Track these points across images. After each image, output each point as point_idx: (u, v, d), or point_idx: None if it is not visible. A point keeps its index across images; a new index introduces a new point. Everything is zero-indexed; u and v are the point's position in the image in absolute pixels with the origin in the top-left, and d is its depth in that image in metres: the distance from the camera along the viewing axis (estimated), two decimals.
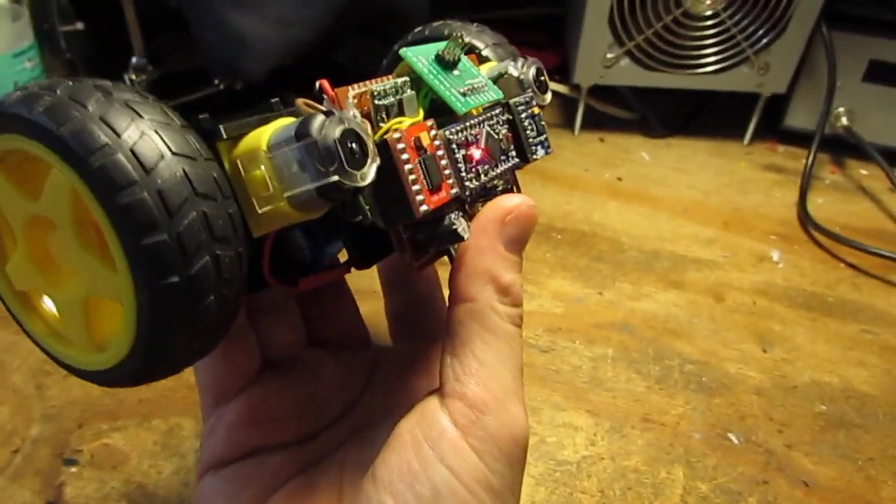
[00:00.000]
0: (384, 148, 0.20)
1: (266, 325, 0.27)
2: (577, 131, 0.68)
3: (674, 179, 0.62)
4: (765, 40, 0.60)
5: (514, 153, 0.24)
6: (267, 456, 0.25)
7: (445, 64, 0.23)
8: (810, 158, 0.60)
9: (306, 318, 0.29)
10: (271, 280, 0.23)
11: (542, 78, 0.26)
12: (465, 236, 0.21)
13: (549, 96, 0.26)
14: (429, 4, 0.63)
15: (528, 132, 0.25)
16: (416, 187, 0.20)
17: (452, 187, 0.21)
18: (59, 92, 0.16)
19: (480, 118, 0.23)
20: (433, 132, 0.21)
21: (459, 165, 0.22)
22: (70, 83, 0.17)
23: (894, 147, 0.63)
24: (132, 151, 0.16)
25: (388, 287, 0.32)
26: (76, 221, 0.18)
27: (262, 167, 0.18)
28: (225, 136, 0.19)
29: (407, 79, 0.23)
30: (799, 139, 0.66)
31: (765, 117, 0.66)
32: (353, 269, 0.25)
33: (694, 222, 0.56)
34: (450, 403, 0.21)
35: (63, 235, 0.18)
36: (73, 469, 0.36)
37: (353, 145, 0.18)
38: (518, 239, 0.22)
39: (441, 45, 0.24)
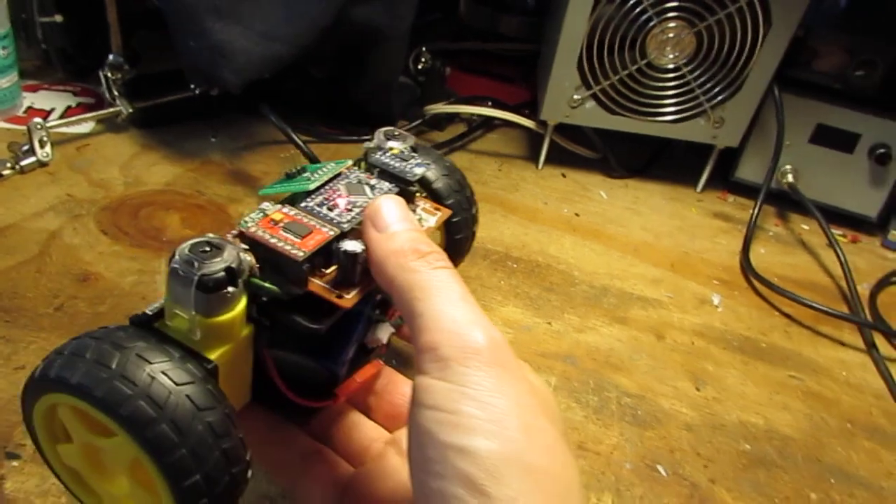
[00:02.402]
0: (250, 240, 0.26)
1: (340, 439, 0.31)
2: (540, 165, 0.71)
3: (628, 220, 0.65)
4: (721, 96, 0.64)
5: (386, 184, 0.30)
6: None
7: (291, 176, 0.30)
8: (756, 211, 0.64)
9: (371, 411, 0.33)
10: (310, 403, 0.28)
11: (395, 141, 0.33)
12: (359, 249, 0.26)
13: (402, 144, 0.33)
14: (409, 30, 0.65)
15: (394, 164, 0.30)
16: (285, 245, 0.25)
17: (328, 231, 0.26)
18: (88, 356, 0.22)
19: (335, 182, 0.29)
20: (287, 210, 0.27)
21: (329, 214, 0.27)
22: (94, 345, 0.23)
23: (833, 206, 0.67)
24: (148, 396, 0.22)
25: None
26: (129, 469, 0.25)
27: (177, 313, 0.24)
28: (152, 316, 0.25)
29: (270, 203, 0.28)
30: (747, 191, 0.70)
31: (718, 168, 0.70)
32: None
33: (644, 262, 0.59)
34: (418, 366, 0.23)
35: (115, 461, 0.25)
36: (15, 463, 0.36)
37: (207, 248, 0.24)
38: (385, 214, 0.26)
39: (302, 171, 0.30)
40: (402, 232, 0.25)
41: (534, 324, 0.49)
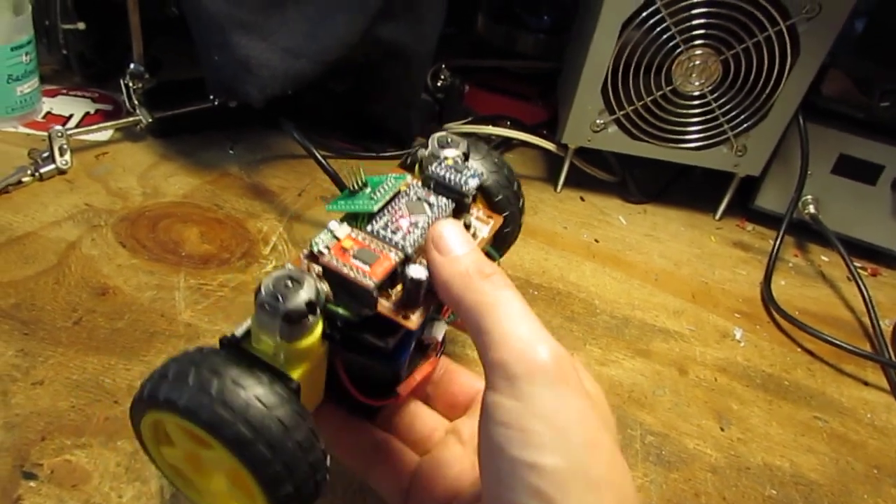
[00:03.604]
0: (327, 269, 0.27)
1: (404, 429, 0.34)
2: (559, 188, 0.70)
3: (647, 246, 0.64)
4: (745, 125, 0.63)
5: (444, 201, 0.30)
6: None
7: (354, 192, 0.31)
8: (777, 242, 0.63)
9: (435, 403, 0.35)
10: (375, 402, 0.31)
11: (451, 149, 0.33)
12: (424, 276, 0.27)
13: (454, 151, 0.33)
14: (433, 50, 0.64)
15: (449, 177, 0.31)
16: (357, 274, 0.27)
17: (394, 256, 0.28)
18: (190, 382, 0.25)
19: (396, 201, 0.30)
20: (356, 235, 0.28)
21: (394, 238, 0.28)
22: (195, 370, 0.25)
23: (855, 238, 0.67)
24: (245, 419, 0.24)
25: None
26: (228, 475, 0.28)
27: (263, 339, 0.26)
28: (241, 339, 0.27)
29: (336, 221, 0.30)
30: (767, 219, 0.69)
31: (737, 195, 0.69)
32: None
33: (664, 291, 0.58)
34: (488, 381, 0.24)
35: (216, 469, 0.28)
36: (32, 483, 0.36)
37: (289, 282, 0.26)
38: (448, 239, 0.27)
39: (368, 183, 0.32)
40: (464, 255, 0.27)
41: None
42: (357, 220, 0.30)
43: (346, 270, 0.27)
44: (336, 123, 0.72)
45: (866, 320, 0.58)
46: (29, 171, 0.57)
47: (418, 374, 0.31)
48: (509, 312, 0.25)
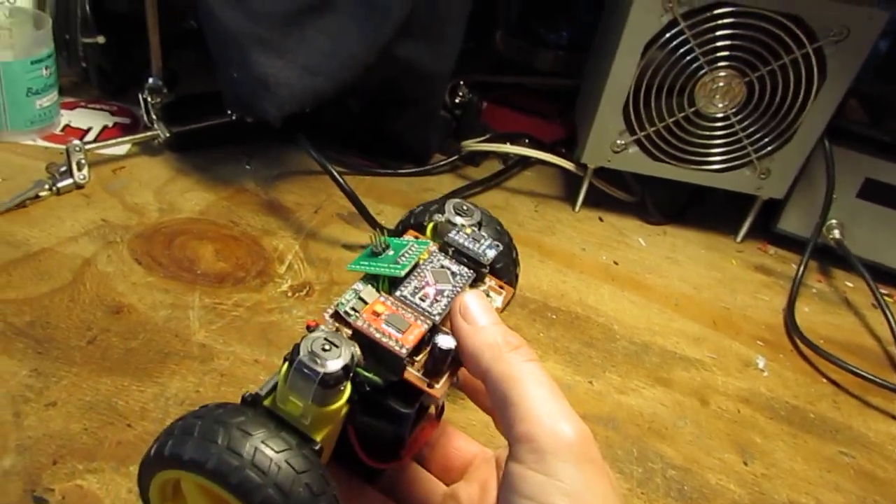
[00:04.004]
0: (359, 333, 0.28)
1: (403, 493, 0.34)
2: (577, 207, 0.70)
3: (667, 269, 0.63)
4: (769, 147, 0.62)
5: (465, 270, 0.31)
6: None
7: (377, 254, 0.31)
8: (801, 268, 0.62)
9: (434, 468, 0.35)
10: (380, 465, 0.31)
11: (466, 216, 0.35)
12: (451, 345, 0.27)
13: (470, 219, 0.34)
14: (451, 69, 0.64)
15: (469, 246, 0.32)
16: (389, 340, 0.27)
17: (423, 323, 0.28)
18: (219, 442, 0.24)
19: (421, 267, 0.31)
20: (386, 300, 0.29)
21: (422, 305, 0.29)
22: (200, 423, 0.25)
23: (881, 264, 0.65)
24: (253, 464, 0.24)
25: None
26: None
27: (292, 400, 0.26)
28: (265, 397, 0.27)
29: (360, 282, 0.31)
30: (790, 243, 0.68)
31: (759, 217, 0.68)
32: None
33: (684, 317, 0.57)
34: (513, 453, 0.25)
35: None
36: None
37: (326, 345, 0.26)
38: (474, 310, 0.28)
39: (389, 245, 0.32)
40: (490, 326, 0.28)
41: (574, 382, 0.48)
42: (378, 282, 0.30)
43: (378, 336, 0.27)
44: (353, 140, 0.72)
45: (893, 349, 0.57)
46: (46, 186, 0.57)
47: (420, 437, 0.32)
48: (538, 387, 0.25)
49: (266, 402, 0.27)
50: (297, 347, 0.25)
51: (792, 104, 0.60)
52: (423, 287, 0.30)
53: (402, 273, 0.30)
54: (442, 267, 0.31)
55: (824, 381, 0.53)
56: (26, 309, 0.46)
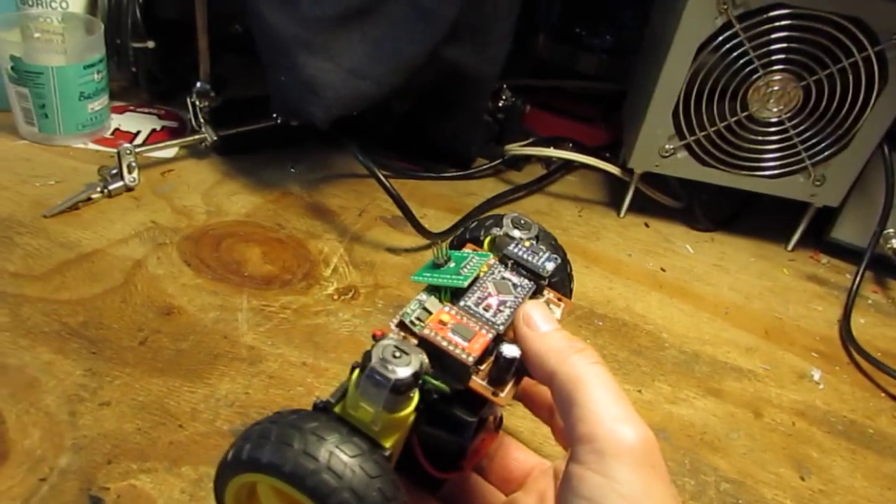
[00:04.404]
0: (425, 342, 0.28)
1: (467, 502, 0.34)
2: (622, 213, 0.69)
3: (716, 277, 0.62)
4: (825, 153, 0.60)
5: (526, 282, 0.32)
6: None
7: (439, 266, 0.32)
8: (858, 279, 0.60)
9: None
10: (443, 475, 0.31)
11: (522, 228, 0.36)
12: (516, 353, 0.28)
13: (528, 233, 0.35)
14: (497, 73, 0.64)
15: (528, 259, 0.33)
16: (455, 349, 0.28)
17: (487, 333, 0.29)
18: (296, 446, 0.25)
19: (483, 279, 0.31)
20: (451, 310, 0.29)
21: (485, 315, 0.29)
22: (276, 428, 0.26)
23: None
24: (328, 468, 0.24)
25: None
26: None
27: (363, 406, 0.26)
28: (335, 404, 0.28)
29: (424, 292, 0.31)
30: (843, 252, 0.66)
31: (810, 225, 0.66)
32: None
33: (735, 326, 0.56)
34: (574, 454, 0.25)
35: None
36: None
37: (397, 353, 0.26)
38: (537, 318, 0.29)
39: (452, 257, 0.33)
40: (554, 332, 0.28)
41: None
42: (440, 293, 0.31)
43: (444, 344, 0.28)
44: (396, 143, 0.72)
45: None
46: (98, 188, 0.58)
47: (481, 448, 0.33)
48: (602, 389, 0.26)
49: (336, 409, 0.27)
50: (368, 354, 0.26)
51: (850, 109, 0.58)
52: (485, 298, 0.30)
53: (465, 284, 0.30)
54: (503, 279, 0.32)
55: (883, 395, 0.51)
56: (80, 310, 0.47)
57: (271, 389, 0.44)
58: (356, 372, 0.27)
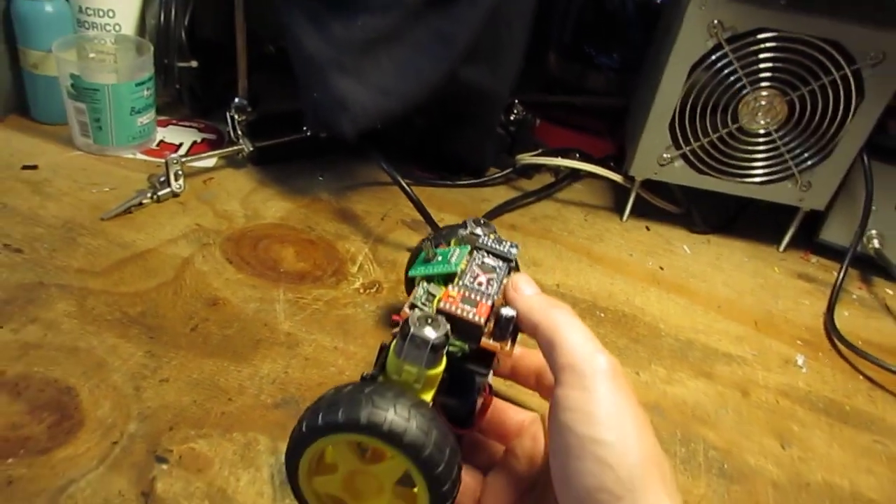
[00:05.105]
0: (443, 312, 0.35)
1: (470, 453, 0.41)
2: (625, 217, 0.74)
3: (711, 275, 0.67)
4: (810, 161, 0.66)
5: (500, 263, 0.40)
6: None
7: (429, 259, 0.39)
8: (841, 274, 0.65)
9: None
10: (458, 431, 0.36)
11: (482, 227, 0.44)
12: (513, 313, 0.35)
13: (488, 230, 0.43)
14: (509, 91, 0.69)
15: (497, 247, 0.41)
16: (468, 315, 0.34)
17: (487, 301, 0.36)
18: (342, 404, 0.31)
19: (470, 265, 0.39)
20: (454, 288, 0.36)
21: (481, 289, 0.37)
22: (364, 397, 0.31)
23: None
24: (397, 414, 0.30)
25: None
26: (395, 485, 0.33)
27: (406, 369, 0.32)
28: (378, 376, 0.34)
29: (423, 282, 0.38)
30: (831, 252, 0.71)
31: (801, 228, 0.71)
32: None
33: (727, 318, 0.61)
34: (558, 382, 0.31)
35: (380, 485, 0.33)
36: (164, 466, 0.41)
37: (429, 321, 0.32)
38: (523, 284, 0.37)
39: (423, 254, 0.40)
40: (536, 294, 0.36)
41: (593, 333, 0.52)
42: (436, 280, 0.38)
43: (459, 312, 0.34)
44: (416, 154, 0.78)
45: None
46: (148, 195, 0.65)
47: (482, 410, 0.39)
48: (577, 330, 0.33)
49: (380, 379, 0.33)
50: (406, 324, 0.32)
51: (831, 122, 0.63)
52: (476, 277, 0.38)
53: (459, 269, 0.38)
54: (484, 262, 0.39)
55: (861, 378, 0.56)
56: (137, 301, 0.53)
57: (308, 370, 0.49)
58: (394, 343, 0.33)
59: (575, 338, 0.32)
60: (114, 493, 0.39)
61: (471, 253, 0.40)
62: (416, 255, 0.48)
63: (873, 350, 0.58)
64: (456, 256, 0.39)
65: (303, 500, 0.35)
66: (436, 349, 0.32)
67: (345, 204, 0.70)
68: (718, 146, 0.66)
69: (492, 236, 0.42)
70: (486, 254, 0.40)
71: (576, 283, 0.62)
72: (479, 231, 0.43)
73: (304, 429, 0.32)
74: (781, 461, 0.47)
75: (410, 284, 0.51)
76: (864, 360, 0.57)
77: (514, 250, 0.41)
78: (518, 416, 0.41)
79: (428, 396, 0.33)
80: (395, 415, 0.30)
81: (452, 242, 0.43)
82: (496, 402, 0.41)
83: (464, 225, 0.44)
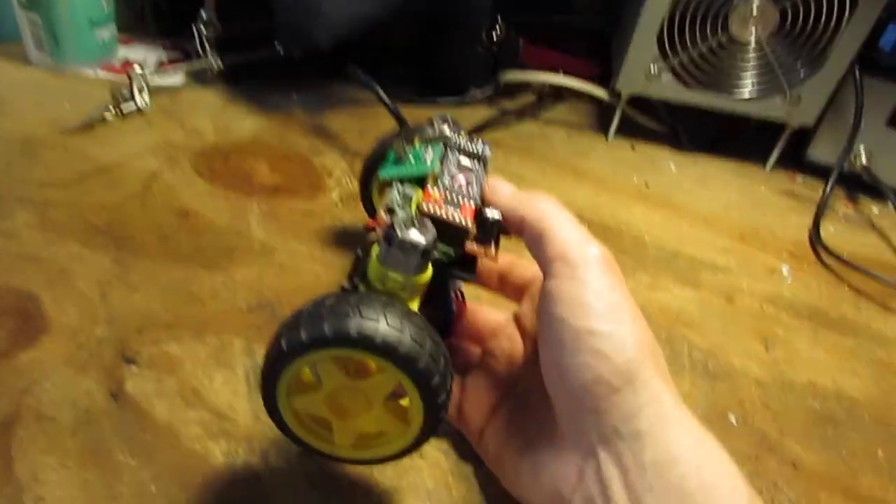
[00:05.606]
0: (426, 215, 0.31)
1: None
2: (610, 136, 0.72)
3: (697, 192, 0.66)
4: (800, 74, 0.64)
5: (475, 163, 0.36)
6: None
7: (401, 160, 0.37)
8: (828, 188, 0.64)
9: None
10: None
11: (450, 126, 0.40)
12: (498, 215, 0.32)
13: (456, 128, 0.39)
14: (492, 3, 0.66)
15: (469, 146, 0.37)
16: (454, 218, 0.32)
17: (469, 203, 0.33)
18: (327, 316, 0.27)
19: (446, 165, 0.35)
20: (436, 190, 0.33)
21: (462, 189, 0.34)
22: (350, 307, 0.27)
23: None
24: (389, 325, 0.27)
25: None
26: (385, 399, 0.30)
27: (392, 276, 0.29)
28: (357, 285, 0.31)
29: (397, 184, 0.34)
30: (819, 172, 0.70)
31: (787, 148, 0.70)
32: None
33: (712, 232, 0.60)
34: (549, 273, 0.29)
35: (368, 401, 0.30)
36: (134, 368, 0.39)
37: (415, 222, 0.29)
38: (499, 183, 0.34)
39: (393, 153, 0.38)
40: (518, 190, 0.34)
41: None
42: (411, 181, 0.35)
43: (444, 215, 0.32)
44: (395, 73, 0.75)
45: None
46: (111, 109, 0.61)
47: (459, 316, 0.37)
48: (564, 219, 0.30)
49: (361, 289, 0.30)
50: (390, 228, 0.29)
51: (823, 32, 0.61)
52: (455, 178, 0.35)
53: (435, 169, 0.35)
54: (459, 163, 0.36)
55: (846, 288, 0.55)
56: (103, 212, 0.51)
57: (283, 276, 0.48)
58: (376, 249, 0.30)
59: (564, 228, 0.30)
60: (81, 393, 0.37)
61: (443, 153, 0.37)
62: (379, 156, 0.45)
63: (858, 262, 0.57)
64: (430, 155, 0.36)
65: (281, 423, 0.31)
66: (425, 254, 0.29)
67: (321, 121, 0.67)
68: (707, 58, 0.64)
69: (463, 135, 0.39)
70: (458, 153, 0.37)
71: (560, 199, 0.60)
72: (446, 129, 0.39)
73: (283, 346, 0.28)
74: (765, 362, 0.46)
75: (367, 189, 0.48)
76: (850, 271, 0.56)
77: (486, 149, 0.38)
78: (492, 317, 0.39)
79: (415, 306, 0.30)
80: (387, 326, 0.27)
81: (416, 141, 0.40)
82: (469, 305, 0.40)
83: (430, 123, 0.40)
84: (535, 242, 0.31)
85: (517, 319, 0.38)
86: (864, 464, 0.40)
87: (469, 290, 0.37)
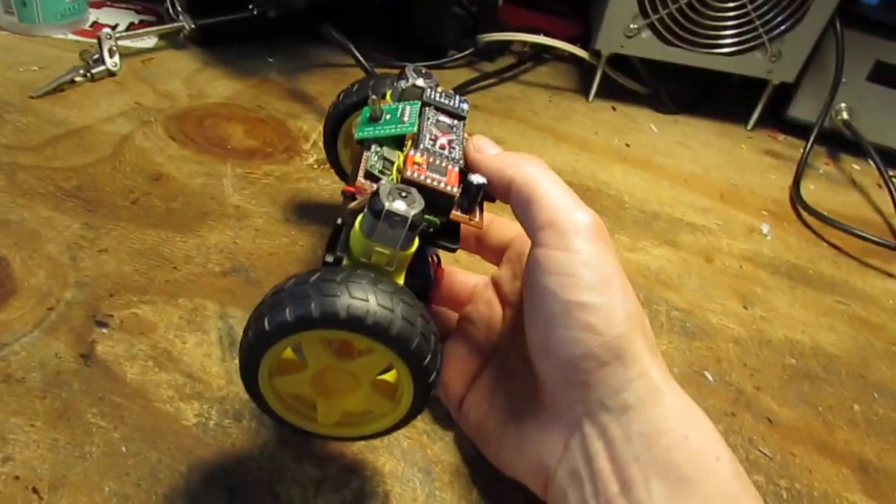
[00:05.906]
0: (411, 182, 0.29)
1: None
2: (591, 98, 0.71)
3: (678, 153, 0.65)
4: (781, 28, 0.63)
5: (455, 121, 0.34)
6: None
7: (376, 119, 0.34)
8: (808, 145, 0.64)
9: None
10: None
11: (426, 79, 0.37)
12: (483, 180, 0.31)
13: (430, 81, 0.36)
14: None
15: (447, 103, 0.34)
16: (440, 184, 0.30)
17: (454, 167, 0.31)
18: (314, 294, 0.25)
19: (426, 124, 0.33)
20: (417, 153, 0.31)
21: (444, 152, 0.32)
22: (337, 285, 0.26)
23: (889, 146, 0.67)
24: (379, 305, 0.25)
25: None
26: (373, 379, 0.29)
27: (378, 250, 0.27)
28: (341, 258, 0.29)
29: (374, 145, 0.32)
30: (800, 130, 0.70)
31: (769, 107, 0.69)
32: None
33: (692, 192, 0.60)
34: (537, 241, 0.28)
35: (356, 381, 0.29)
36: (105, 330, 0.39)
37: (404, 194, 0.27)
38: (487, 145, 0.33)
39: (367, 111, 0.34)
40: (503, 151, 0.32)
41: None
42: (388, 142, 0.33)
43: (430, 182, 0.30)
44: (372, 35, 0.73)
45: (894, 222, 0.59)
46: (81, 71, 0.60)
47: (437, 281, 0.36)
48: (553, 185, 0.29)
49: (345, 263, 0.28)
50: (376, 198, 0.27)
51: None
52: (436, 139, 0.32)
53: (414, 129, 0.32)
54: (438, 121, 0.33)
55: (826, 245, 0.55)
56: (73, 175, 0.50)
57: (258, 240, 0.47)
58: (358, 222, 0.28)
59: (553, 192, 0.29)
60: (50, 355, 0.37)
61: (421, 110, 0.34)
62: (344, 110, 0.42)
63: (838, 220, 0.57)
64: (409, 114, 0.33)
65: (263, 404, 0.30)
66: (415, 226, 0.27)
67: (297, 84, 0.66)
68: (687, 13, 0.63)
69: (438, 90, 0.36)
70: (436, 111, 0.34)
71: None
72: (420, 82, 0.36)
73: (267, 326, 0.26)
74: (743, 320, 0.46)
75: (333, 145, 0.44)
76: (830, 228, 0.56)
77: (465, 106, 0.35)
78: (468, 280, 0.38)
79: (401, 280, 0.29)
80: (377, 306, 0.25)
81: (389, 96, 0.37)
82: (446, 268, 0.39)
83: (402, 75, 0.37)
84: (523, 208, 0.30)
85: (495, 284, 0.37)
86: (840, 418, 0.40)
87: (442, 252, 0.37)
